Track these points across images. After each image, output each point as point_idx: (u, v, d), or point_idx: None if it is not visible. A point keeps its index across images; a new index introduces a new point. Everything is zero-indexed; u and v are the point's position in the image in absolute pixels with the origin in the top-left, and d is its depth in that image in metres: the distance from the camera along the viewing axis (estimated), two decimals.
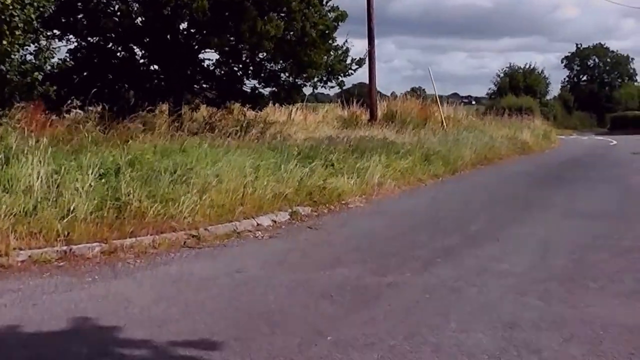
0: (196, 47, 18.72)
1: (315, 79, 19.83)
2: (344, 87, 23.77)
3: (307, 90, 22.51)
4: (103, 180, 9.47)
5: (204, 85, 20.21)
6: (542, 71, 67.55)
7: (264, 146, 14.06)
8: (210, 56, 19.27)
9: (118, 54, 18.59)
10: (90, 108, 15.21)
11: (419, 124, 25.62)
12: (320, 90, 22.71)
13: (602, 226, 10.10)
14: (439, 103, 28.03)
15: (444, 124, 25.77)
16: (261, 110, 20.18)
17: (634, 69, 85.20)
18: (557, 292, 6.49)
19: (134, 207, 8.87)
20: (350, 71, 20.69)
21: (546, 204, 12.36)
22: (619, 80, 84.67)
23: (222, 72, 19.67)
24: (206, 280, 6.91)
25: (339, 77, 20.58)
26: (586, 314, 5.86)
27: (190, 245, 8.49)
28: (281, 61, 18.86)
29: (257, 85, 19.83)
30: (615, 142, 37.08)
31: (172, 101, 18.61)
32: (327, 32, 18.50)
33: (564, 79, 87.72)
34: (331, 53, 19.64)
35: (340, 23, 18.86)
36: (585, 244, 8.81)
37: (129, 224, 8.50)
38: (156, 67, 19.26)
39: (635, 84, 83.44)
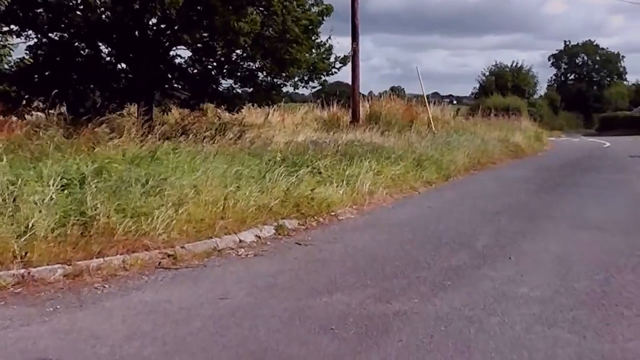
0: (167, 44, 18.07)
1: (296, 78, 19.22)
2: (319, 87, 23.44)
3: (288, 91, 21.99)
4: (66, 192, 8.75)
5: (176, 85, 19.55)
6: (530, 69, 67.48)
7: (243, 151, 13.44)
8: (183, 54, 18.68)
9: (83, 51, 17.86)
10: (52, 111, 14.53)
11: (404, 126, 25.11)
12: (297, 90, 22.18)
13: (620, 240, 9.60)
14: (427, 104, 27.57)
15: (432, 126, 25.23)
16: (237, 112, 19.52)
17: (624, 67, 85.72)
18: (590, 323, 5.92)
19: (101, 223, 8.18)
20: (334, 70, 20.08)
21: (553, 214, 11.82)
22: (608, 79, 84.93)
23: (196, 70, 19.03)
24: (186, 310, 6.25)
25: (322, 76, 19.97)
26: (628, 350, 5.30)
27: (165, 266, 7.85)
28: (259, 59, 18.21)
29: (233, 85, 19.21)
30: (608, 144, 36.88)
31: (141, 102, 17.95)
32: (310, 27, 17.91)
33: (551, 77, 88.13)
34: (314, 50, 19.05)
35: (325, 18, 18.24)
36: (607, 261, 8.27)
37: (95, 243, 7.82)
38: (124, 65, 18.58)
39: (625, 82, 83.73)
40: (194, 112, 19.29)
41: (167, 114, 19.42)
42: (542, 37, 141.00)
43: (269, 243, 9.28)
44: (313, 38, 18.66)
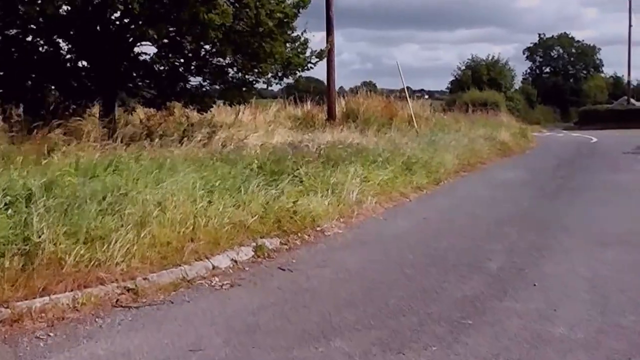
0: (131, 39, 16.77)
1: (270, 75, 18.01)
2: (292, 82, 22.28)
3: (259, 87, 20.71)
4: (9, 212, 7.47)
5: (141, 84, 18.22)
6: (507, 62, 66.64)
7: (214, 157, 12.20)
8: (149, 50, 17.39)
9: (41, 48, 16.52)
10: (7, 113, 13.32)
11: (384, 124, 24.05)
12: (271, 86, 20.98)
13: None
14: (408, 100, 26.42)
15: (415, 123, 24.09)
16: (206, 111, 18.27)
17: (600, 60, 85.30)
18: None
19: (47, 252, 6.91)
20: (309, 65, 18.86)
21: (566, 225, 10.66)
22: (585, 71, 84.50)
23: (162, 67, 17.69)
24: None
25: (297, 71, 18.77)
26: None
27: (125, 304, 6.60)
28: (230, 55, 16.96)
29: (202, 83, 17.96)
30: (594, 139, 35.93)
31: (103, 102, 16.71)
32: (285, 20, 16.69)
33: (526, 70, 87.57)
34: (288, 45, 17.86)
35: (300, 10, 17.03)
36: None
37: (40, 277, 6.53)
38: (85, 63, 17.25)
39: (602, 75, 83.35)
40: (160, 112, 18.05)
41: (132, 114, 18.05)
42: (515, 30, 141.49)
43: (247, 268, 8.04)
44: (288, 32, 17.45)
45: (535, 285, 7.24)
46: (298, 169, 11.64)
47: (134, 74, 17.69)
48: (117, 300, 6.66)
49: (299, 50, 18.28)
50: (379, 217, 11.43)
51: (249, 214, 9.23)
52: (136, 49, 17.20)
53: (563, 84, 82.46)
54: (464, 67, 67.28)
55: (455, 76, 68.70)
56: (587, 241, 9.47)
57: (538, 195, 14.33)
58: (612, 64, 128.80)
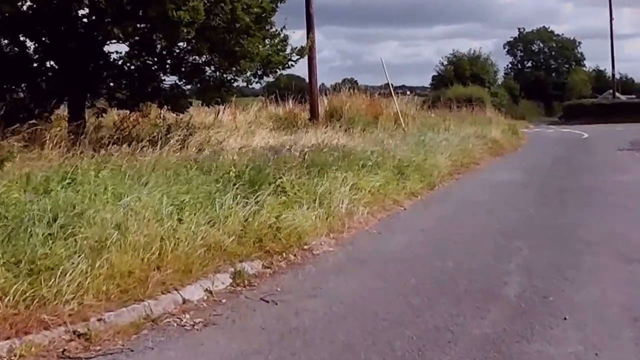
0: (100, 38, 15.47)
1: (249, 73, 16.81)
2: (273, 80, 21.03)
3: (239, 85, 19.47)
4: None
5: (112, 84, 16.90)
6: (489, 57, 65.69)
7: (189, 164, 10.98)
8: (121, 49, 16.13)
9: (6, 48, 15.28)
10: None
11: (369, 123, 22.89)
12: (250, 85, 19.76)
13: None
14: (394, 98, 25.23)
15: (402, 122, 22.90)
16: (183, 112, 17.03)
17: (581, 53, 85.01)
18: None
19: None
20: (290, 62, 17.68)
21: (584, 238, 9.42)
22: (566, 65, 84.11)
23: (134, 67, 16.40)
24: None
25: (277, 69, 17.58)
26: None
27: (73, 354, 5.41)
28: (206, 52, 15.74)
29: (177, 82, 16.70)
30: (586, 134, 34.91)
31: (71, 105, 15.49)
32: (263, 15, 15.49)
33: (507, 65, 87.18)
34: (267, 42, 16.68)
35: (279, 5, 15.86)
36: None
37: None
38: (52, 63, 15.94)
39: (584, 69, 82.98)
40: (133, 114, 16.84)
41: (102, 117, 16.71)
42: (494, 26, 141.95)
43: (224, 301, 6.81)
44: (266, 28, 16.28)
45: (566, 319, 6.03)
46: (280, 178, 10.39)
47: (105, 74, 16.42)
48: (65, 350, 5.44)
49: (278, 47, 17.15)
50: (373, 231, 10.22)
51: (226, 233, 8.00)
52: (107, 48, 15.96)
53: (545, 78, 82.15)
54: (446, 63, 66.27)
55: (437, 72, 67.75)
56: (612, 257, 8.28)
57: (542, 199, 13.18)
58: (591, 58, 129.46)
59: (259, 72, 17.08)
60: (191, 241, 7.48)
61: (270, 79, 18.03)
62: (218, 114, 21.37)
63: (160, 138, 14.28)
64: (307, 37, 22.60)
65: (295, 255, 8.43)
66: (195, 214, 8.15)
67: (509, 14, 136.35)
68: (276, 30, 16.89)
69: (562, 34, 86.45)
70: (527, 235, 9.64)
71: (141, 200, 8.03)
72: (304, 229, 9.00)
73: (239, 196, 9.01)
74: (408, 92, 59.77)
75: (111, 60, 16.18)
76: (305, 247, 8.76)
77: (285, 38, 17.16)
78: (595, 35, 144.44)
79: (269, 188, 9.83)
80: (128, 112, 16.68)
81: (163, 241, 7.26)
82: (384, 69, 25.20)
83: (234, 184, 9.69)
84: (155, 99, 16.47)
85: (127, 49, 16.08)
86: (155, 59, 16.32)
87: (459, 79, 56.46)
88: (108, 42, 15.73)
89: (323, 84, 37.06)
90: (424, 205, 12.60)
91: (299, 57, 17.86)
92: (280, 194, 9.91)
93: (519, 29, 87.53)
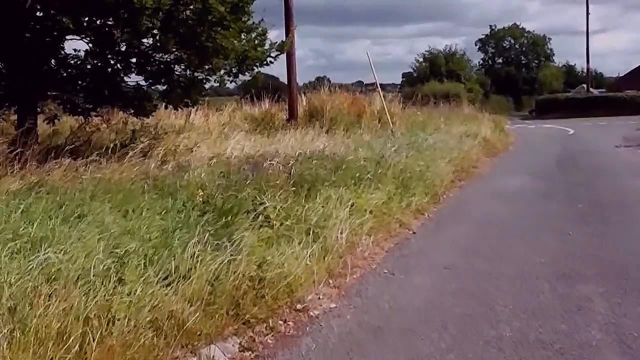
0: (55, 33, 12.67)
1: (222, 72, 14.09)
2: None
3: (212, 85, 16.74)
4: None
5: (66, 86, 14.03)
6: (465, 53, 64.00)
7: (146, 184, 8.32)
8: (82, 46, 13.32)
9: None
10: None
11: (352, 123, 20.28)
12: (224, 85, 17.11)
13: None
14: (380, 94, 22.50)
15: (390, 123, 20.16)
16: (148, 117, 14.29)
17: (551, 49, 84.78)
18: None
19: None
20: (269, 59, 14.93)
21: None
22: (537, 61, 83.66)
23: (92, 66, 13.56)
24: None
25: (255, 67, 14.82)
26: None
27: None
28: (175, 48, 13.00)
29: (140, 83, 13.91)
30: (571, 130, 32.38)
31: (20, 110, 12.83)
32: (240, 4, 12.82)
33: (478, 61, 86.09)
34: (243, 36, 13.97)
35: None
36: None
37: None
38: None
39: (552, 64, 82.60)
40: (94, 119, 14.15)
41: (53, 124, 13.84)
42: (462, 24, 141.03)
43: None
44: (243, 19, 13.55)
45: None
46: (262, 202, 7.63)
47: (59, 75, 13.59)
48: None
49: (256, 42, 14.41)
50: (383, 270, 7.44)
51: (187, 298, 5.27)
52: (67, 46, 13.28)
53: (515, 73, 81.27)
54: (421, 60, 64.32)
55: (412, 68, 65.90)
56: None
57: (573, 215, 10.43)
58: (559, 54, 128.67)
59: (234, 70, 14.37)
60: (133, 318, 4.75)
61: (247, 77, 15.24)
62: (189, 117, 18.58)
63: (120, 147, 11.73)
64: (287, 31, 19.99)
65: (286, 322, 5.71)
66: (144, 268, 5.43)
67: (476, 12, 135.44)
68: (253, 22, 14.19)
69: (533, 31, 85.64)
70: (588, 274, 6.98)
71: (68, 251, 5.31)
72: (296, 276, 6.29)
73: (207, 234, 6.25)
74: (378, 89, 57.78)
75: (65, 59, 13.40)
76: (299, 306, 6.05)
77: (264, 32, 14.46)
78: (561, 32, 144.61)
79: (248, 219, 7.11)
80: (84, 117, 13.92)
81: (90, 322, 4.54)
82: (370, 64, 22.37)
83: (201, 213, 7.00)
84: (116, 102, 13.77)
85: (88, 47, 13.32)
86: (119, 58, 13.53)
87: (434, 76, 54.63)
88: (64, 38, 13.01)
89: (297, 82, 34.55)
90: (436, 226, 9.88)
91: (279, 52, 15.14)
92: (262, 226, 7.19)
93: (490, 25, 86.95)
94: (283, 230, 7.20)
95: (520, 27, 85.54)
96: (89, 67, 13.51)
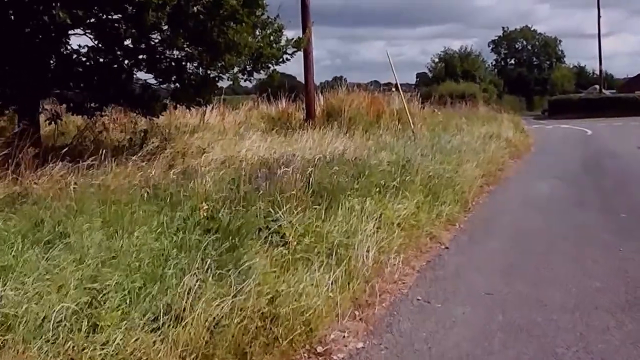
0: (54, 28, 11.48)
1: (236, 69, 12.91)
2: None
3: (224, 84, 15.55)
4: None
5: (71, 84, 12.84)
6: (479, 54, 63.25)
7: (146, 192, 7.11)
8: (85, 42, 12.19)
9: None
10: None
11: (371, 123, 19.06)
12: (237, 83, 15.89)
13: None
14: (401, 94, 21.21)
15: (412, 124, 18.83)
16: (157, 117, 13.13)
17: (562, 51, 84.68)
18: None
19: None
20: (285, 56, 13.75)
21: None
22: (548, 62, 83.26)
23: (94, 63, 12.37)
24: None
25: (270, 64, 13.64)
26: None
27: None
28: (185, 45, 11.83)
29: (148, 82, 12.76)
30: (589, 131, 30.92)
31: (21, 110, 11.68)
32: None
33: (491, 62, 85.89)
34: (258, 31, 12.82)
35: None
36: None
37: None
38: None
39: (564, 65, 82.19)
40: (102, 118, 13.26)
41: (55, 123, 12.63)
42: (473, 26, 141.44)
43: None
44: (257, 14, 12.36)
45: None
46: (276, 220, 6.35)
47: (61, 73, 12.41)
48: None
49: (271, 38, 13.24)
50: (417, 298, 6.11)
51: (178, 350, 4.02)
52: (73, 42, 12.19)
53: (527, 74, 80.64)
54: (437, 60, 63.47)
55: (428, 69, 65.22)
56: None
57: (617, 228, 8.93)
58: (569, 56, 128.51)
59: (248, 68, 13.20)
60: None
61: (262, 75, 14.06)
62: (204, 115, 17.45)
63: (127, 148, 10.70)
64: (304, 29, 18.79)
65: None
66: (126, 306, 4.19)
67: (487, 15, 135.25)
68: (268, 17, 13.02)
69: (545, 33, 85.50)
70: None
71: (32, 287, 4.08)
72: (316, 309, 5.03)
73: (209, 260, 4.99)
74: (393, 89, 56.87)
75: (69, 56, 12.24)
76: (320, 348, 4.78)
77: (280, 28, 13.34)
78: (570, 35, 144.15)
79: (259, 239, 5.84)
80: (92, 117, 12.79)
81: None
82: (390, 63, 21.01)
83: (204, 232, 5.75)
84: (123, 101, 12.66)
85: (93, 43, 12.17)
86: (126, 54, 12.35)
87: (450, 76, 53.66)
88: (67, 34, 11.87)
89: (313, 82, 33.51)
90: (469, 239, 8.56)
91: (295, 49, 13.97)
92: (276, 246, 5.91)
93: (503, 27, 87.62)
94: (300, 251, 5.91)
95: (532, 29, 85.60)
96: (93, 63, 12.36)
